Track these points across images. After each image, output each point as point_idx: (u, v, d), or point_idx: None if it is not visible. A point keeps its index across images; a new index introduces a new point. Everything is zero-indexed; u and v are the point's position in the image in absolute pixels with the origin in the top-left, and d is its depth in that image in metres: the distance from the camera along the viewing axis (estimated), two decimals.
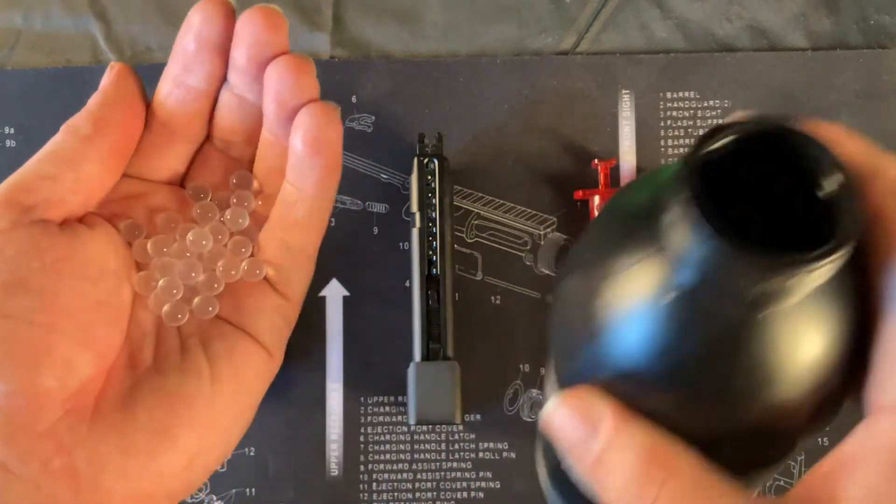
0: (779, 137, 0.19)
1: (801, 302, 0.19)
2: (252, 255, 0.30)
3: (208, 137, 0.31)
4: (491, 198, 0.46)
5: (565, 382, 0.23)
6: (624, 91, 0.47)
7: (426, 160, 0.43)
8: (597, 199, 0.44)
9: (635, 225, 0.21)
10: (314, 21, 0.48)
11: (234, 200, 0.31)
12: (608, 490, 0.22)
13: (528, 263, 0.46)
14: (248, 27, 0.27)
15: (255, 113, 0.30)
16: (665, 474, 0.21)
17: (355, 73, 0.47)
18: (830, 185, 0.19)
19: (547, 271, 0.46)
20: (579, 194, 0.45)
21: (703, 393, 0.21)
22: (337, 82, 0.47)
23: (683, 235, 0.18)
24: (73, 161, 0.27)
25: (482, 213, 0.46)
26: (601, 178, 0.44)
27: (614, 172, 0.46)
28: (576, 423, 0.21)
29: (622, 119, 0.47)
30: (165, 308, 0.29)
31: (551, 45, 0.48)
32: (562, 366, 0.24)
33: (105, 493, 0.25)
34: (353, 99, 0.47)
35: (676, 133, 0.47)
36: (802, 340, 0.19)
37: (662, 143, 0.47)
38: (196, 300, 0.29)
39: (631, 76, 0.47)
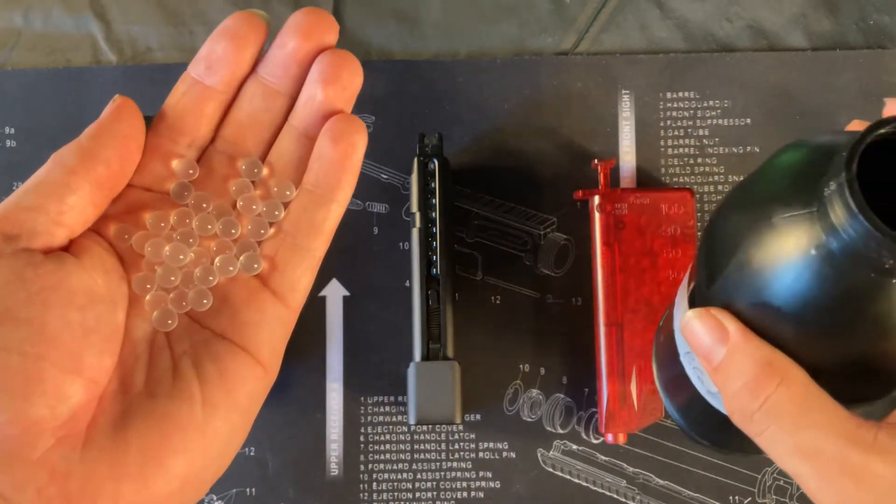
0: None
1: None
2: (253, 251, 0.30)
3: (212, 142, 0.31)
4: (491, 198, 0.46)
5: (700, 303, 0.27)
6: (624, 91, 0.47)
7: (426, 160, 0.43)
8: (597, 199, 0.44)
9: (794, 182, 0.24)
10: None
11: (234, 188, 0.31)
12: (728, 389, 0.26)
13: (528, 263, 0.46)
14: (308, 17, 0.30)
15: (275, 107, 0.31)
16: (778, 381, 0.24)
17: None
18: None
19: (547, 271, 0.46)
20: (579, 194, 0.45)
21: (825, 333, 0.24)
22: None
23: (839, 210, 0.22)
24: (57, 192, 0.27)
25: (482, 213, 0.46)
26: (601, 178, 0.44)
27: (614, 172, 0.46)
28: (708, 331, 0.26)
29: (622, 119, 0.47)
30: (156, 314, 0.29)
31: (551, 45, 0.48)
32: (701, 288, 0.28)
33: None
34: None
35: (676, 133, 0.47)
36: None
37: (662, 143, 0.47)
38: (191, 293, 0.30)
39: (631, 76, 0.47)
